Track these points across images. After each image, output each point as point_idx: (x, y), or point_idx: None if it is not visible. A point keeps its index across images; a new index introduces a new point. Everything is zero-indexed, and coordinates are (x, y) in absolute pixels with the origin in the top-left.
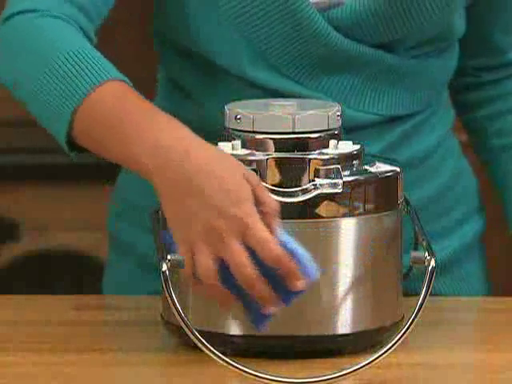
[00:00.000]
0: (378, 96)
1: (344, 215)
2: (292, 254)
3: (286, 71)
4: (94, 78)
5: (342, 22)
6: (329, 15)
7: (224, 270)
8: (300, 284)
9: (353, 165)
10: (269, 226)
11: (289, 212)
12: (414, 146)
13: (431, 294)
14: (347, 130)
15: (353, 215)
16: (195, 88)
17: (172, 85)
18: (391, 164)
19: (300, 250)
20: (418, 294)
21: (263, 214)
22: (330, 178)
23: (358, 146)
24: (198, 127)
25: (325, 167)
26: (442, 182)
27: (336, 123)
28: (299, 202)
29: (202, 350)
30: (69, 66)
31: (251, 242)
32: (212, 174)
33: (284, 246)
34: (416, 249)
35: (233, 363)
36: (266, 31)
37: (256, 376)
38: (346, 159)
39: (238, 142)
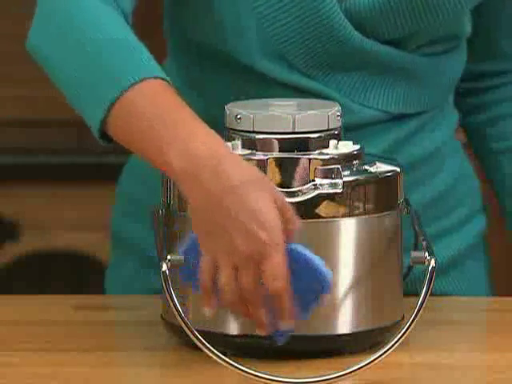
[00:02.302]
0: (388, 93)
1: (344, 215)
2: (307, 264)
3: (296, 63)
4: (136, 73)
5: (357, 13)
6: (346, 6)
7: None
8: (289, 325)
9: (353, 165)
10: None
11: None
12: (420, 145)
13: (434, 294)
14: (355, 127)
15: (353, 215)
16: (204, 82)
17: (180, 79)
18: (391, 164)
19: (316, 260)
20: (418, 294)
21: (284, 232)
22: (329, 178)
23: (357, 146)
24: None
25: (325, 167)
26: (446, 181)
27: (336, 123)
28: (299, 201)
29: (202, 350)
30: (112, 55)
31: (264, 271)
32: (242, 196)
33: (299, 256)
34: (416, 249)
35: (233, 363)
36: (281, 21)
37: (256, 376)
38: (346, 159)
39: (238, 142)
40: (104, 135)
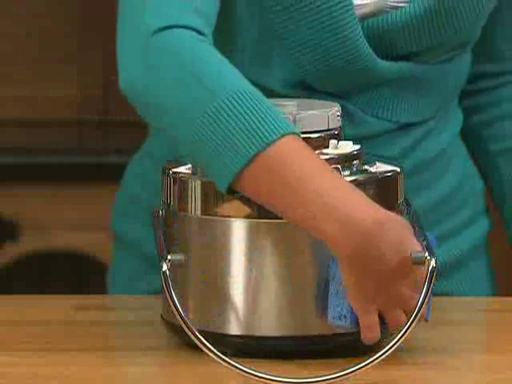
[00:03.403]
0: (399, 104)
1: None
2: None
3: (314, 85)
4: (269, 132)
5: (377, 31)
6: (367, 24)
7: None
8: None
9: (353, 165)
10: None
11: None
12: (426, 149)
13: (437, 294)
14: (365, 138)
15: None
16: None
17: None
18: (391, 164)
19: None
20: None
21: None
22: None
23: (358, 146)
24: None
25: None
26: (451, 183)
27: (336, 123)
28: None
29: (202, 350)
30: (240, 112)
31: (407, 308)
32: (403, 247)
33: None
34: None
35: (233, 363)
36: (306, 51)
37: (256, 376)
38: (345, 159)
39: None
40: (232, 188)
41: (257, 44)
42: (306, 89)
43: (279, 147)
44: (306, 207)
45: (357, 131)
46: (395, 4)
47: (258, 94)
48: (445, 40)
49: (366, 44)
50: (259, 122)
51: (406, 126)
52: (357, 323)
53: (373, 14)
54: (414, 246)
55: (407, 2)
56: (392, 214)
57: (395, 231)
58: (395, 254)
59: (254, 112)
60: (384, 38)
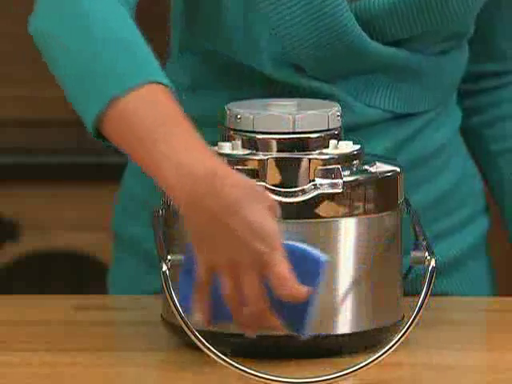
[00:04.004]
0: (392, 93)
1: (344, 215)
2: (297, 253)
3: (304, 67)
4: (138, 76)
5: (367, 14)
6: (356, 6)
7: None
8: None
9: (353, 165)
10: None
11: (289, 212)
12: (424, 144)
13: (436, 294)
14: (359, 126)
15: (353, 215)
16: (210, 84)
17: (184, 80)
18: (391, 164)
19: (303, 247)
20: (418, 294)
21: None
22: (329, 177)
23: (358, 146)
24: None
25: (325, 167)
26: (450, 180)
27: (336, 123)
28: (299, 202)
29: (202, 350)
30: (116, 54)
31: (271, 280)
32: (238, 212)
33: (293, 249)
34: (416, 249)
35: (233, 363)
36: (293, 28)
37: (256, 376)
38: (346, 159)
39: (238, 142)
40: (99, 133)
41: (244, 26)
42: (297, 72)
43: (135, 94)
44: (152, 158)
45: (350, 120)
46: None
47: (137, 42)
48: (436, 28)
49: (356, 24)
50: (126, 66)
51: (402, 117)
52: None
53: None
54: (251, 212)
55: None
56: (231, 171)
57: (234, 191)
58: (232, 216)
59: (125, 57)
60: (373, 22)
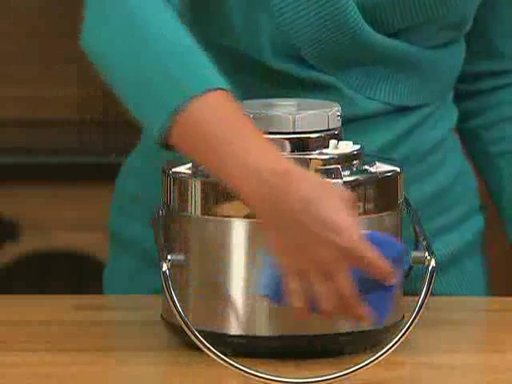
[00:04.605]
0: (391, 85)
1: None
2: (378, 241)
3: (306, 57)
4: (201, 84)
5: (369, 3)
6: None
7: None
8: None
9: (353, 165)
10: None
11: None
12: (422, 139)
13: (433, 294)
14: (358, 119)
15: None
16: None
17: None
18: (391, 164)
19: (381, 235)
20: (418, 294)
21: None
22: (329, 177)
23: (358, 146)
24: None
25: (325, 167)
26: (444, 178)
27: (336, 123)
28: None
29: (202, 350)
30: (177, 63)
31: (362, 266)
32: (311, 209)
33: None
34: (416, 249)
35: (233, 363)
36: (295, 17)
37: (256, 376)
38: (346, 159)
39: None
40: (164, 142)
41: (245, 15)
42: (298, 62)
43: (202, 102)
44: (220, 162)
45: (348, 111)
46: None
47: (194, 51)
48: (436, 17)
49: (359, 14)
50: (187, 76)
51: (400, 111)
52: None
53: None
54: (324, 208)
55: None
56: (306, 172)
57: (304, 188)
58: (304, 213)
59: (185, 67)
60: (374, 11)
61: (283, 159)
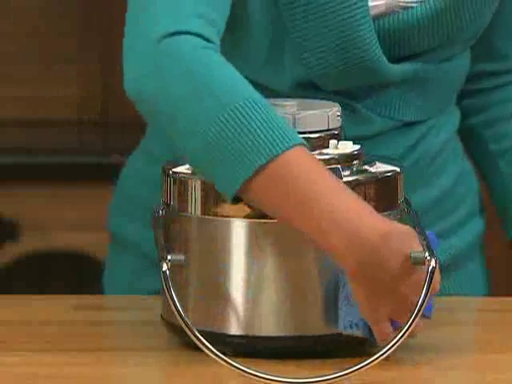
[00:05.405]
0: (402, 103)
1: None
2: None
3: (323, 86)
4: (277, 143)
5: (389, 29)
6: (379, 24)
7: None
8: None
9: (353, 165)
10: None
11: None
12: (425, 149)
13: (436, 294)
14: (368, 136)
15: None
16: None
17: None
18: (391, 164)
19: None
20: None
21: None
22: None
23: (358, 146)
24: None
25: (325, 167)
26: (447, 182)
27: (336, 123)
28: None
29: (202, 350)
30: (248, 121)
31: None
32: (398, 284)
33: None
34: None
35: (233, 363)
36: (319, 55)
37: (256, 376)
38: (346, 159)
39: None
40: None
41: (269, 46)
42: (313, 89)
43: (289, 158)
44: (316, 221)
45: (361, 129)
46: (406, 4)
47: (266, 103)
48: (451, 38)
49: (378, 46)
50: (267, 132)
51: (409, 125)
52: (369, 330)
53: (383, 15)
54: (407, 287)
55: (418, 2)
56: (398, 225)
57: (400, 241)
58: (399, 261)
59: (263, 122)
60: (394, 38)
61: (380, 219)
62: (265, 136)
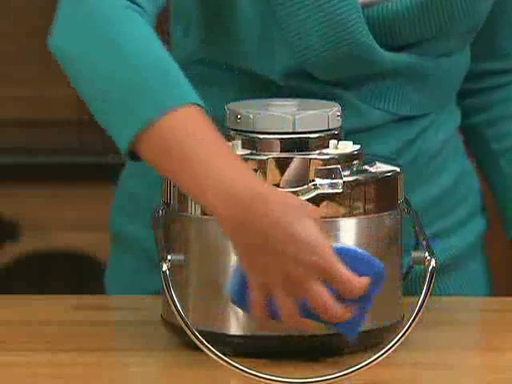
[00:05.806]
0: (398, 96)
1: (344, 215)
2: (354, 257)
3: (315, 75)
4: (173, 98)
5: (380, 18)
6: (369, 12)
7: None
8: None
9: (353, 165)
10: None
11: None
12: (425, 145)
13: (434, 294)
14: (363, 129)
15: (353, 215)
16: (215, 89)
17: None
18: (391, 164)
19: (359, 251)
20: (418, 294)
21: None
22: (329, 178)
23: (358, 146)
24: None
25: (325, 167)
26: (447, 181)
27: (336, 123)
28: None
29: (202, 350)
30: (149, 75)
31: (333, 283)
32: (285, 230)
33: (343, 253)
34: (416, 249)
35: (233, 363)
36: (310, 43)
37: (256, 376)
38: (346, 159)
39: (238, 142)
40: (132, 153)
41: (259, 35)
42: (306, 78)
43: (174, 116)
44: (194, 179)
45: (356, 122)
46: None
47: (170, 65)
48: (445, 30)
49: (369, 33)
50: (160, 90)
51: (407, 119)
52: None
53: (372, 4)
54: (296, 227)
55: None
56: (287, 195)
57: (283, 212)
58: (280, 233)
59: (159, 80)
60: (385, 27)
61: (257, 180)
62: (160, 93)
